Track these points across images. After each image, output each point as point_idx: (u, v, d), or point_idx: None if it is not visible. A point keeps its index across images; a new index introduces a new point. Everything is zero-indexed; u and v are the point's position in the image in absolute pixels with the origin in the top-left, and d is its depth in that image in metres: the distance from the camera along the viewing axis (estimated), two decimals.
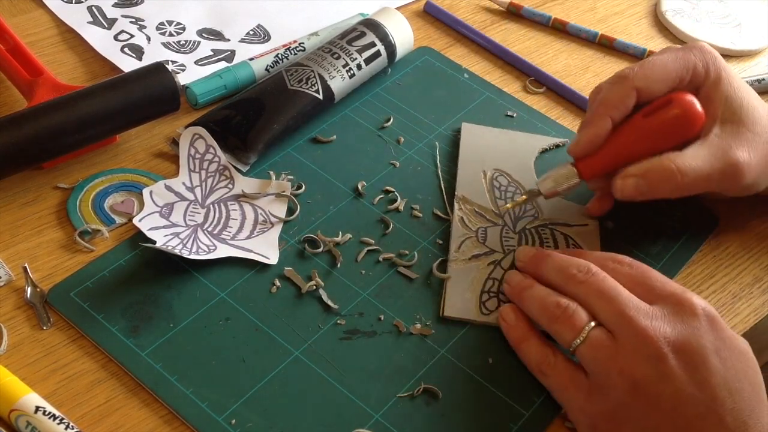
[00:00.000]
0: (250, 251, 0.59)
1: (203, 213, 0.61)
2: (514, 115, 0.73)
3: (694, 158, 0.56)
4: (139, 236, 0.58)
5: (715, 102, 0.58)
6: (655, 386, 0.48)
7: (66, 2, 0.76)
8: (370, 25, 0.72)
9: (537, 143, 0.69)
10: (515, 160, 0.67)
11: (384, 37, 0.72)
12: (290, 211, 0.62)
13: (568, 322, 0.52)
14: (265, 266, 0.59)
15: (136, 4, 0.77)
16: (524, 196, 0.61)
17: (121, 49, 0.73)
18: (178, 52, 0.74)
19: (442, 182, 0.66)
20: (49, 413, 0.48)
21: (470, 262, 0.60)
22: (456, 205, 0.63)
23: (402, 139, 0.69)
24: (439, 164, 0.67)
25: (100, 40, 0.73)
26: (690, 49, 0.60)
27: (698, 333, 0.49)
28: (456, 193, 0.64)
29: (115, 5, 0.77)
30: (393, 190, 0.65)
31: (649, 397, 0.48)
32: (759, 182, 0.60)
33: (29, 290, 0.55)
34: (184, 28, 0.76)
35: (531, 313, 0.55)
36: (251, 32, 0.77)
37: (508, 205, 0.62)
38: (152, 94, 0.63)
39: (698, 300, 0.50)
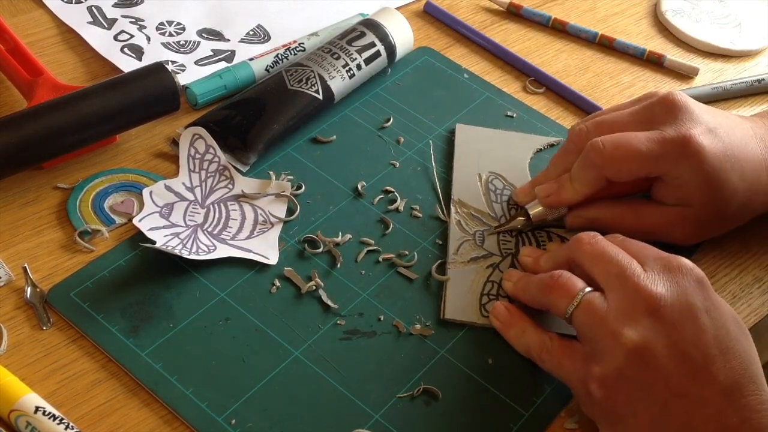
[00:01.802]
0: (250, 251, 0.59)
1: (203, 213, 0.61)
2: (514, 115, 0.73)
3: (643, 218, 0.61)
4: (139, 236, 0.58)
5: (687, 189, 0.59)
6: (645, 344, 0.48)
7: (66, 2, 0.76)
8: (370, 25, 0.72)
9: (532, 143, 0.69)
10: (510, 162, 0.68)
11: (384, 37, 0.72)
12: (290, 211, 0.62)
13: (562, 289, 0.52)
14: (265, 266, 0.59)
15: (136, 4, 0.77)
16: (514, 222, 0.62)
17: (121, 49, 0.73)
18: (178, 52, 0.74)
19: (438, 184, 0.66)
20: (49, 413, 0.48)
21: (469, 264, 0.60)
22: (453, 209, 0.63)
23: (402, 139, 0.69)
24: (434, 165, 0.67)
25: (100, 40, 0.73)
26: (670, 149, 0.58)
27: (688, 291, 0.49)
28: (452, 196, 0.64)
29: (115, 5, 0.77)
30: (393, 190, 0.65)
31: (642, 356, 0.48)
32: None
33: (29, 290, 0.55)
34: (184, 28, 0.76)
35: (531, 297, 0.56)
36: (251, 32, 0.77)
37: (495, 231, 0.63)
38: (152, 94, 0.63)
39: (686, 262, 0.51)
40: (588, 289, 0.52)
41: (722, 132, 0.59)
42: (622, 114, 0.61)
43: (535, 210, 0.62)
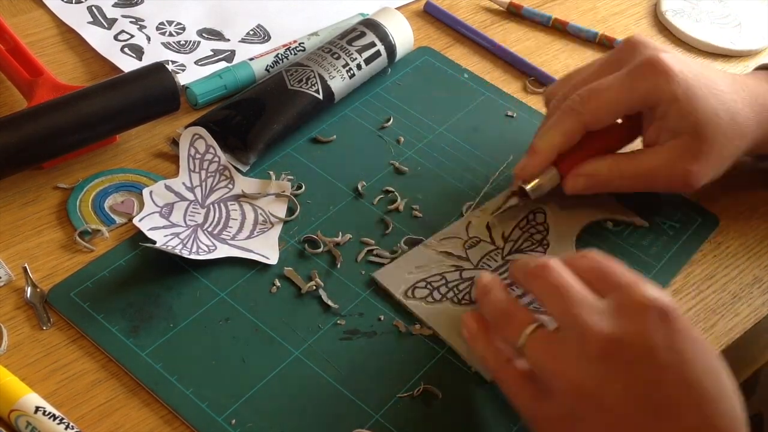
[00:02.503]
0: (250, 251, 0.59)
1: (203, 213, 0.61)
2: (514, 115, 0.73)
3: (641, 163, 0.61)
4: (139, 236, 0.58)
5: (670, 119, 0.59)
6: (597, 388, 0.45)
7: (66, 2, 0.76)
8: (370, 25, 0.72)
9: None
10: None
11: (384, 37, 0.72)
12: (290, 211, 0.62)
13: (513, 323, 0.50)
14: (265, 266, 0.59)
15: (136, 4, 0.77)
16: (511, 201, 0.62)
17: (121, 49, 0.73)
18: (178, 52, 0.74)
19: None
20: (49, 413, 0.48)
21: (439, 255, 0.60)
22: (467, 212, 0.63)
23: (402, 139, 0.69)
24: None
25: (100, 40, 0.73)
26: (641, 74, 0.59)
27: (646, 328, 0.45)
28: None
29: (115, 5, 0.77)
30: (393, 190, 0.65)
31: (592, 400, 0.45)
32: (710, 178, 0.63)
33: (29, 290, 0.55)
34: (184, 28, 0.76)
35: (488, 317, 0.53)
36: (251, 32, 0.77)
37: (494, 214, 0.62)
38: (152, 94, 0.63)
39: (651, 292, 0.47)
40: (534, 325, 0.49)
41: (685, 59, 0.61)
42: (591, 69, 0.63)
43: (530, 186, 0.61)
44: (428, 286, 0.58)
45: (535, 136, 0.62)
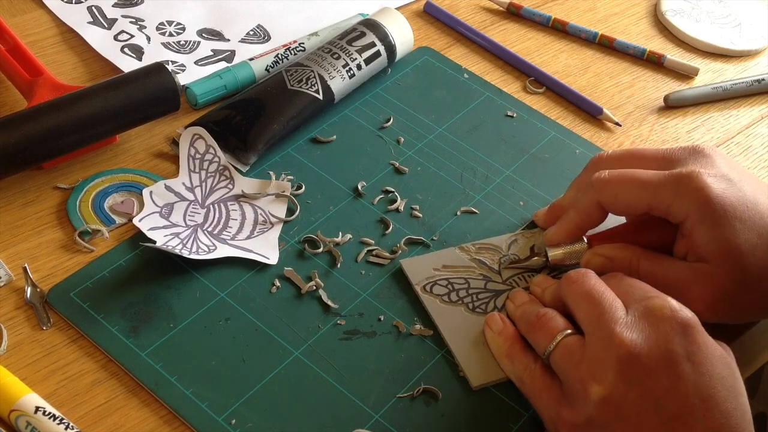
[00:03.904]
0: (250, 251, 0.59)
1: (203, 213, 0.61)
2: (514, 115, 0.73)
3: (661, 269, 0.56)
4: (139, 236, 0.58)
5: (697, 239, 0.54)
6: (618, 394, 0.46)
7: (66, 2, 0.76)
8: (370, 25, 0.72)
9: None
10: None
11: (384, 37, 0.72)
12: (290, 211, 0.62)
13: (544, 328, 0.51)
14: (265, 266, 0.59)
15: (136, 4, 0.77)
16: (532, 262, 0.60)
17: (121, 49, 0.73)
18: (178, 52, 0.74)
19: None
20: (49, 413, 0.48)
21: (472, 261, 0.60)
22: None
23: (402, 139, 0.69)
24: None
25: (100, 40, 0.73)
26: (671, 183, 0.54)
27: (668, 337, 0.47)
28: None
29: (115, 5, 0.77)
30: (393, 190, 0.65)
31: (611, 407, 0.47)
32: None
33: (29, 290, 0.55)
34: (184, 28, 0.76)
35: (519, 327, 0.55)
36: (251, 32, 0.77)
37: (511, 266, 0.60)
38: (152, 94, 0.63)
39: (671, 303, 0.48)
40: (568, 331, 0.50)
41: (743, 185, 0.54)
42: (647, 149, 0.59)
43: (553, 252, 0.59)
44: (449, 285, 0.58)
45: (569, 186, 0.61)
